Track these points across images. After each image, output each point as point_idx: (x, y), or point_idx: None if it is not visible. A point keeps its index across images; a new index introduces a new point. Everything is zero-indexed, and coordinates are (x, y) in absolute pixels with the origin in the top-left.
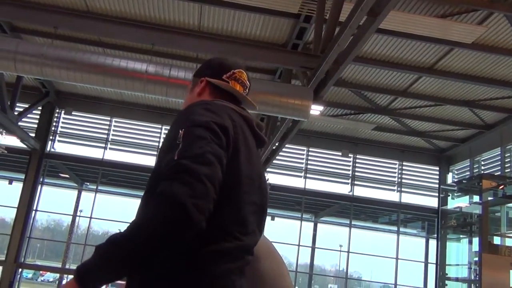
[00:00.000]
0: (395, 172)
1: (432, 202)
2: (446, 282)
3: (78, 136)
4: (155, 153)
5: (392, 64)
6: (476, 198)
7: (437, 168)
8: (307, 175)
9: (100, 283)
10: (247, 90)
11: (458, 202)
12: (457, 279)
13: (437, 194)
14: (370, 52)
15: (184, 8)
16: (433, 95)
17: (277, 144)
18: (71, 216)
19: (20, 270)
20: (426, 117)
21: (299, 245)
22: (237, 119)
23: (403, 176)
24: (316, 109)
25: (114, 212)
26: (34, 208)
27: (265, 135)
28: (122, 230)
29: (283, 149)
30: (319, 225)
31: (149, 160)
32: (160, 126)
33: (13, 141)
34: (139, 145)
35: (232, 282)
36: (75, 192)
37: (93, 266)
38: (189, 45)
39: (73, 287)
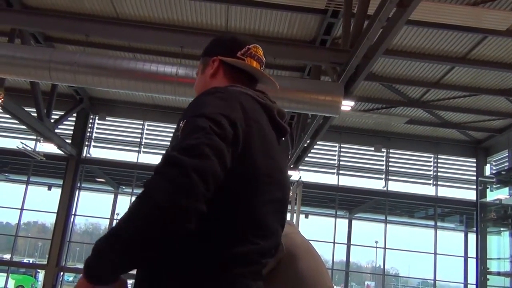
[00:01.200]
0: (430, 166)
1: (470, 195)
2: (488, 276)
3: (112, 141)
4: None
5: (424, 55)
6: None
7: (474, 160)
8: (340, 172)
9: (101, 279)
10: (263, 67)
11: (498, 194)
12: (499, 273)
13: (475, 187)
14: (400, 44)
15: (211, 9)
16: (467, 85)
17: (308, 141)
18: (109, 220)
19: (61, 273)
20: (461, 108)
21: (334, 243)
22: (251, 108)
23: (439, 169)
24: (347, 105)
25: None
26: (73, 212)
27: (287, 123)
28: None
29: (315, 146)
30: (353, 221)
31: None
32: None
33: (51, 148)
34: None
35: (246, 286)
36: (112, 196)
37: (91, 262)
38: None
39: (82, 282)
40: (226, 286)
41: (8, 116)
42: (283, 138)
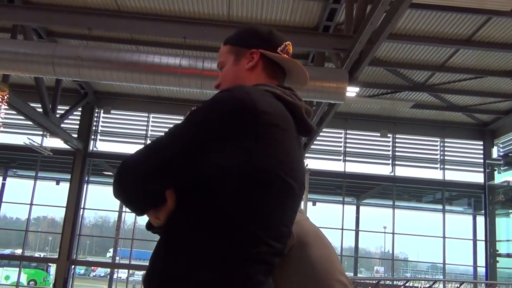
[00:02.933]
0: (437, 150)
1: (477, 177)
2: (497, 258)
3: (118, 134)
4: None
5: (428, 38)
6: None
7: (481, 143)
8: (347, 158)
9: None
10: None
11: (506, 176)
12: (508, 255)
13: (482, 170)
14: (404, 28)
15: None
16: (472, 67)
17: None
18: (117, 212)
19: (73, 267)
20: (467, 91)
21: (342, 229)
22: (273, 110)
23: (446, 153)
24: (352, 91)
25: None
26: (82, 206)
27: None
28: None
29: (321, 134)
30: (361, 207)
31: None
32: None
33: (57, 143)
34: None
35: (260, 282)
36: None
37: None
38: (220, 36)
39: None
40: (240, 282)
41: (14, 112)
42: (308, 136)
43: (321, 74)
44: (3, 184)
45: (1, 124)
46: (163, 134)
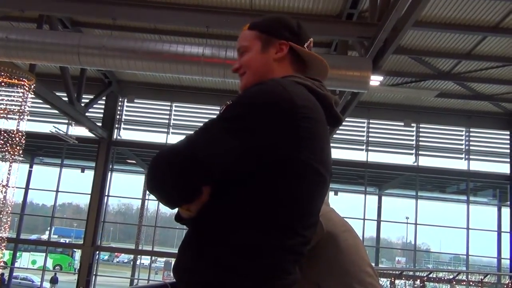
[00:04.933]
0: (462, 139)
1: (503, 168)
2: None
3: (141, 123)
4: None
5: (454, 26)
6: None
7: (508, 132)
8: (369, 148)
9: None
10: None
11: None
12: None
13: (508, 160)
14: (430, 16)
15: None
16: (500, 55)
17: None
18: (140, 200)
19: (97, 252)
20: (494, 79)
21: (364, 219)
22: (305, 102)
23: (471, 143)
24: (375, 80)
25: None
26: (106, 193)
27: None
28: None
29: (343, 123)
30: (383, 197)
31: None
32: (218, 108)
33: (82, 131)
34: (198, 127)
35: (288, 271)
36: (142, 177)
37: None
38: (243, 25)
39: None
40: (271, 272)
41: (40, 101)
42: (336, 127)
43: (345, 62)
44: (30, 172)
45: (28, 112)
46: (198, 129)
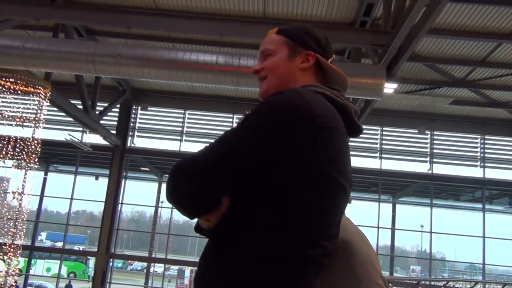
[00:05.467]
0: (477, 147)
1: None
2: None
3: (155, 130)
4: None
5: (468, 33)
6: None
7: None
8: (383, 156)
9: None
10: None
11: None
12: None
13: None
14: (444, 23)
15: None
16: None
17: None
18: (154, 208)
19: (111, 260)
20: (509, 86)
21: (378, 227)
22: (325, 112)
23: (486, 150)
24: (389, 87)
25: None
26: (120, 201)
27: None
28: None
29: None
30: (398, 206)
31: None
32: (231, 115)
33: (97, 139)
34: (211, 135)
35: (309, 282)
36: (156, 184)
37: None
38: (256, 33)
39: None
40: (290, 281)
41: (55, 108)
42: (355, 137)
43: (358, 70)
44: (45, 179)
45: (43, 120)
46: (217, 138)
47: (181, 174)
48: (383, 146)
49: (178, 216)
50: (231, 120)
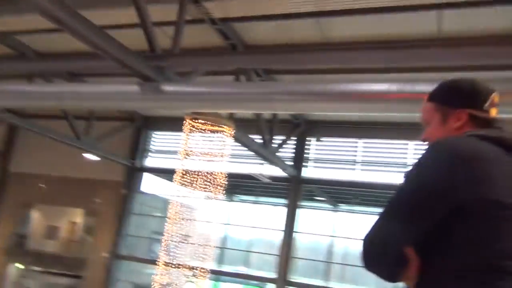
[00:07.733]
0: None
1: None
2: None
3: (328, 161)
4: (403, 170)
5: None
6: None
7: None
8: None
9: None
10: None
11: None
12: None
13: None
14: None
15: (420, 17)
16: None
17: None
18: (329, 237)
19: (290, 287)
20: None
21: None
22: (481, 146)
23: None
24: None
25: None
26: (295, 229)
27: None
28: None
29: None
30: None
31: (398, 178)
32: (406, 142)
33: (274, 171)
34: (385, 163)
35: None
36: (330, 213)
37: None
38: (430, 56)
39: None
40: None
41: (237, 144)
42: None
43: None
44: (229, 209)
45: (227, 155)
46: (391, 201)
47: (369, 245)
48: None
49: (355, 246)
50: (406, 146)
